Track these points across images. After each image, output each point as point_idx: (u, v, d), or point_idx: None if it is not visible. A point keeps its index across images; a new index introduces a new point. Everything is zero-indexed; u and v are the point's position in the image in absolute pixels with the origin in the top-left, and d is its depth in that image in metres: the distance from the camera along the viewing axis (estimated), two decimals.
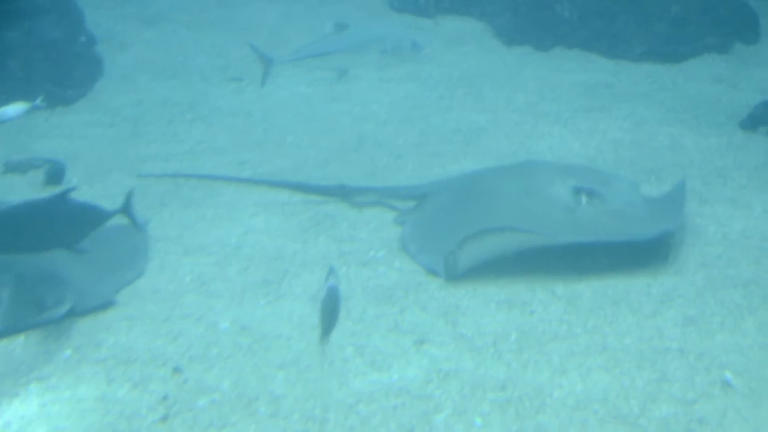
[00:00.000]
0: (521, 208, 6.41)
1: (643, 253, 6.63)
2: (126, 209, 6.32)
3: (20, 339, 5.85)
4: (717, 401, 5.16)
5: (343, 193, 7.71)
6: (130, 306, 6.28)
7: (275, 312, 6.19)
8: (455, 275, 6.35)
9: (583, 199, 6.32)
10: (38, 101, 8.22)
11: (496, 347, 5.74)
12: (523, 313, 6.09)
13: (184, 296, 6.42)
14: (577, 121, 9.51)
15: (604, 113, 9.70)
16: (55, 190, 6.94)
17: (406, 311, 6.17)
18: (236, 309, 6.25)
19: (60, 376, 5.51)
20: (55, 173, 8.19)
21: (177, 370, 5.57)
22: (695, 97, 10.02)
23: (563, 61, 11.23)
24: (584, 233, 6.23)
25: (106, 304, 6.17)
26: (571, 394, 5.26)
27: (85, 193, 7.47)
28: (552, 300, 6.23)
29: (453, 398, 5.25)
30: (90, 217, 6.16)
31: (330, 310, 5.44)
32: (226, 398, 5.31)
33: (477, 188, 6.86)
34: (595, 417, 5.06)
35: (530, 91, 10.39)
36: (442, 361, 5.60)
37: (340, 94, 10.38)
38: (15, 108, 8.12)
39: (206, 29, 12.10)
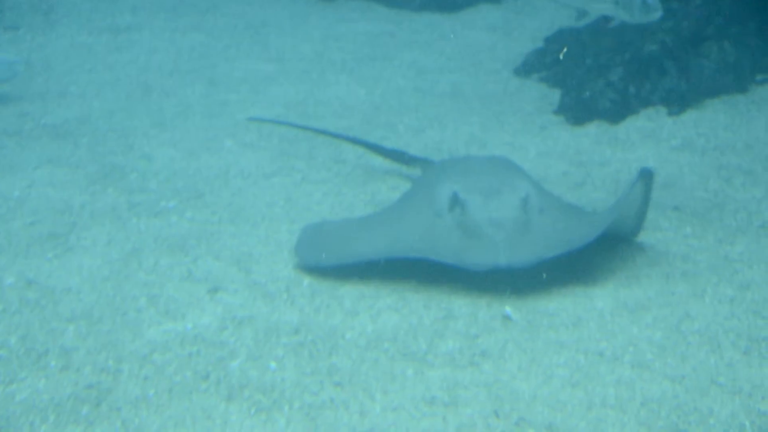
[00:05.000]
0: (410, 202, 6.34)
1: None
2: None
3: None
4: (498, 334, 5.44)
5: (403, 159, 7.41)
6: None
7: (64, 265, 6.08)
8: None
9: (453, 207, 6.11)
10: None
11: (290, 293, 5.84)
12: None
13: None
14: (362, 70, 9.68)
15: (388, 62, 9.92)
16: None
17: (200, 260, 6.19)
18: (22, 264, 6.10)
19: None
20: None
21: None
22: (473, 45, 10.38)
23: (347, 11, 11.37)
24: (420, 246, 5.94)
25: None
26: (363, 334, 5.43)
27: None
28: None
29: (248, 344, 5.33)
30: None
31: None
32: (13, 354, 5.19)
33: (426, 173, 6.83)
34: (385, 355, 5.25)
35: (316, 40, 10.48)
36: (237, 308, 5.67)
37: (123, 44, 10.16)
38: None
39: None
